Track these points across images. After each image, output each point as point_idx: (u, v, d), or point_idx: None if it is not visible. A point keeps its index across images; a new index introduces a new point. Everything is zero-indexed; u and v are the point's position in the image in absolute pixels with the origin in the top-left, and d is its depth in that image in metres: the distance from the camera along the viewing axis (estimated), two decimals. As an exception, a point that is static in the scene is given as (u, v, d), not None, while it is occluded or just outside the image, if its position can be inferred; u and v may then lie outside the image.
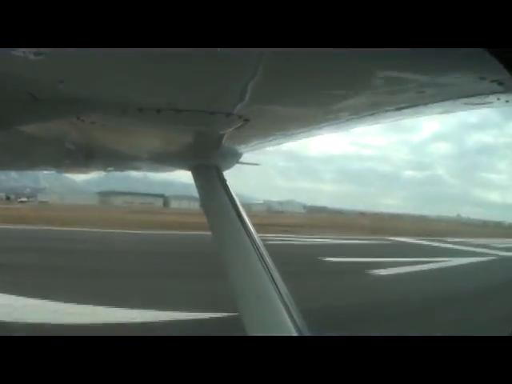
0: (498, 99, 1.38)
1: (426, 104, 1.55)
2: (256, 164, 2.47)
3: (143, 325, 8.55)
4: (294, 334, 1.86)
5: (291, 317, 1.91)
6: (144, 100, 1.51)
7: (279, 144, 2.33)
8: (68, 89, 1.33)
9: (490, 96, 1.38)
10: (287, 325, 1.89)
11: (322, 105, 1.64)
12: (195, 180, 2.37)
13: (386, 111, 1.67)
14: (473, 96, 1.43)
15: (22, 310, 8.81)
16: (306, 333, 1.90)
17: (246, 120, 1.66)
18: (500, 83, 1.24)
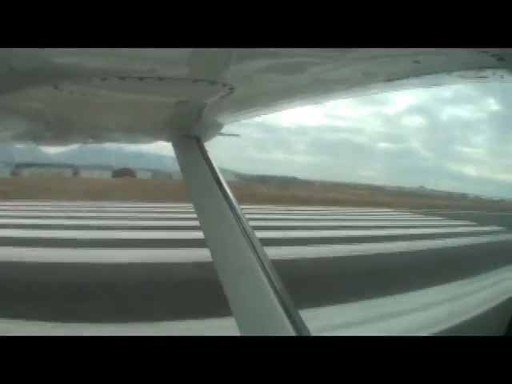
0: (494, 74, 1.34)
1: (419, 75, 1.50)
2: (237, 135, 2.45)
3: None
4: (279, 307, 1.81)
5: (275, 290, 1.85)
6: (126, 67, 1.42)
7: (262, 115, 2.30)
8: (46, 56, 1.21)
9: (487, 70, 1.33)
10: (271, 297, 1.83)
11: (310, 74, 1.55)
12: (175, 151, 2.30)
13: (377, 82, 1.63)
14: (469, 69, 1.38)
15: None
16: (291, 305, 1.85)
17: (231, 89, 1.58)
18: (500, 58, 1.18)
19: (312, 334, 1.86)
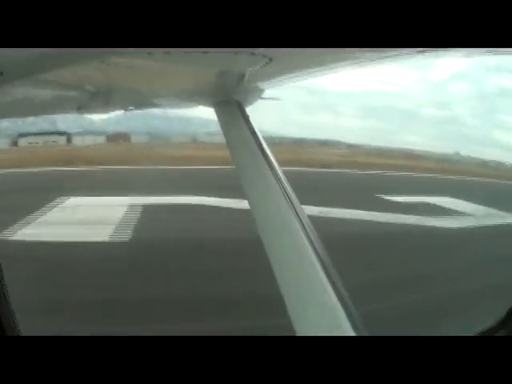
0: None
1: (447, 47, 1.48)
2: (277, 99, 2.46)
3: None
4: (317, 264, 1.73)
5: (313, 246, 1.82)
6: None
7: (302, 80, 2.32)
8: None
9: None
10: (310, 254, 1.78)
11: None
12: (218, 116, 2.30)
13: (409, 53, 1.65)
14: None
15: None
16: (328, 263, 1.78)
17: (270, 59, 1.61)
18: None
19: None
